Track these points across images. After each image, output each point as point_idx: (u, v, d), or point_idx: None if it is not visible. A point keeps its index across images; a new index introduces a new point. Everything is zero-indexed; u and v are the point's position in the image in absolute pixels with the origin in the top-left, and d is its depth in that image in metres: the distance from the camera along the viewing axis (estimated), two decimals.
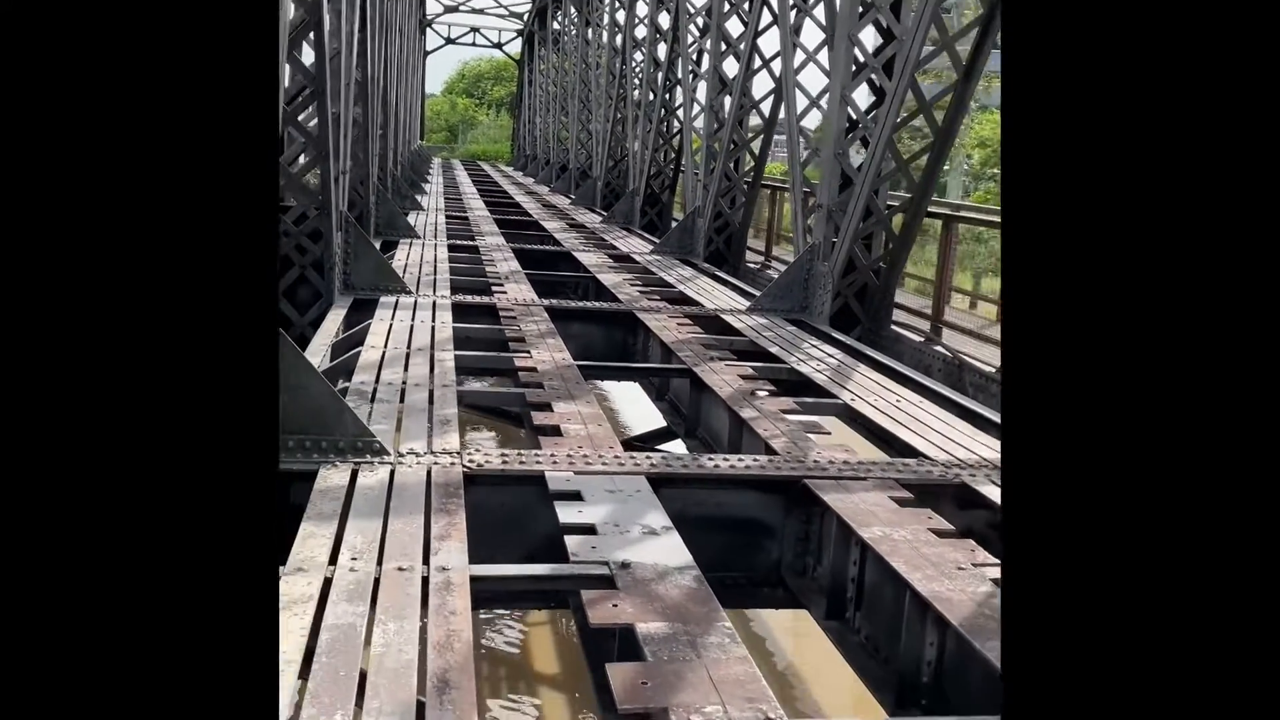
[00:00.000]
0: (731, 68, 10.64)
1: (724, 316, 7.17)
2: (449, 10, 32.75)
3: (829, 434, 4.32)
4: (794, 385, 5.34)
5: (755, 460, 3.81)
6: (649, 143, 14.09)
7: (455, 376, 4.79)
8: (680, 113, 13.45)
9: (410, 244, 10.05)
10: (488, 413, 6.48)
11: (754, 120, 10.62)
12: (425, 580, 2.58)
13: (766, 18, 9.20)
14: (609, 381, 8.92)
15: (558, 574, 2.80)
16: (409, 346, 5.36)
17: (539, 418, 4.29)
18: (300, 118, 7.05)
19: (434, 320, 6.15)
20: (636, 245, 11.77)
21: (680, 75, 12.62)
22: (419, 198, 15.38)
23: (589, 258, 10.16)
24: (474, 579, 2.62)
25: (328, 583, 2.52)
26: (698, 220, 10.78)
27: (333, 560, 2.66)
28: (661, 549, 2.92)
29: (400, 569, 2.62)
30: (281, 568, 2.57)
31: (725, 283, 9.09)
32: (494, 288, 7.87)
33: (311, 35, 6.69)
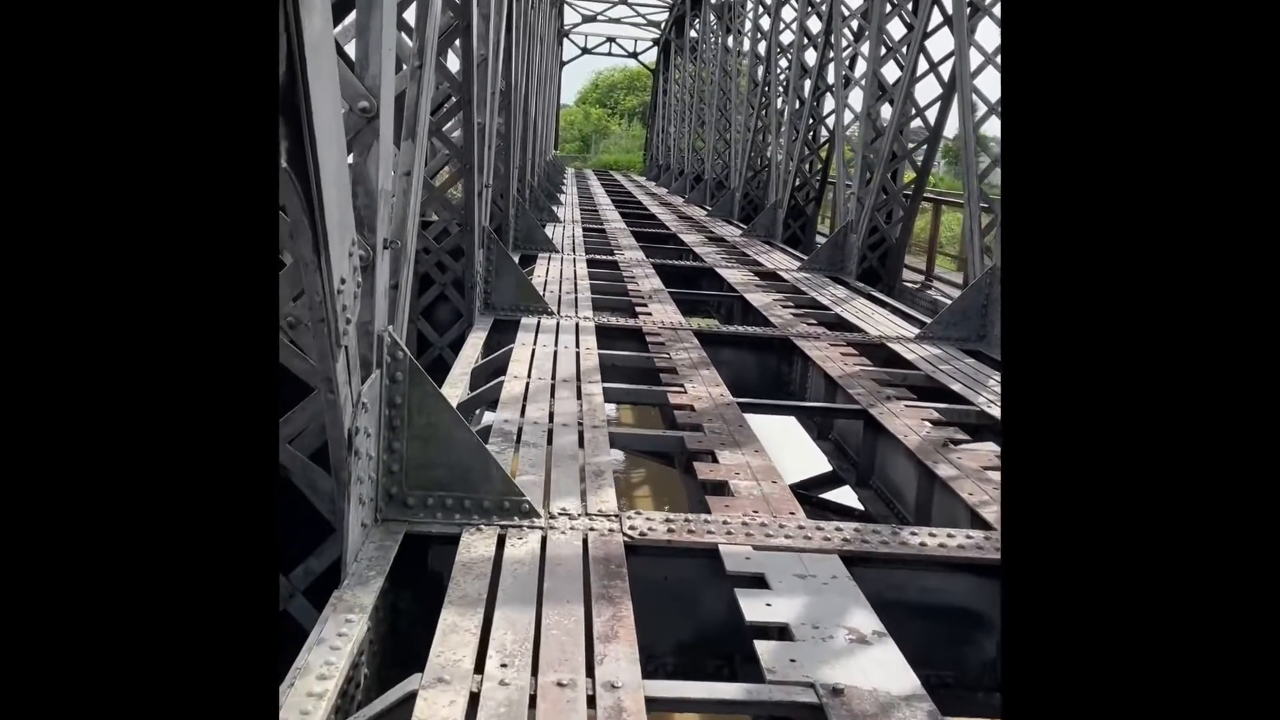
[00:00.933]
0: (892, 73, 9.97)
1: (890, 345, 6.49)
2: (587, 20, 32.78)
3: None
4: (987, 432, 4.88)
5: (970, 538, 3.17)
6: (794, 153, 13.46)
7: (606, 414, 4.31)
8: (830, 121, 12.80)
9: (549, 259, 9.71)
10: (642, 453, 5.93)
11: (915, 128, 10.26)
12: (591, 699, 2.12)
13: (936, 18, 8.98)
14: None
15: (753, 698, 2.25)
16: (554, 377, 4.93)
17: (703, 470, 3.76)
18: (445, 128, 6.86)
19: (578, 345, 5.72)
20: (781, 261, 11.15)
21: (831, 81, 12.03)
22: (555, 209, 15.16)
23: (734, 275, 9.60)
24: (650, 700, 2.13)
25: (474, 700, 2.09)
26: (850, 236, 10.09)
27: (478, 668, 2.21)
28: (878, 666, 2.34)
29: (560, 684, 2.14)
30: (419, 675, 2.17)
31: (885, 305, 8.38)
32: (637, 307, 7.40)
33: (458, 41, 6.42)
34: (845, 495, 5.13)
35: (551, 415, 4.22)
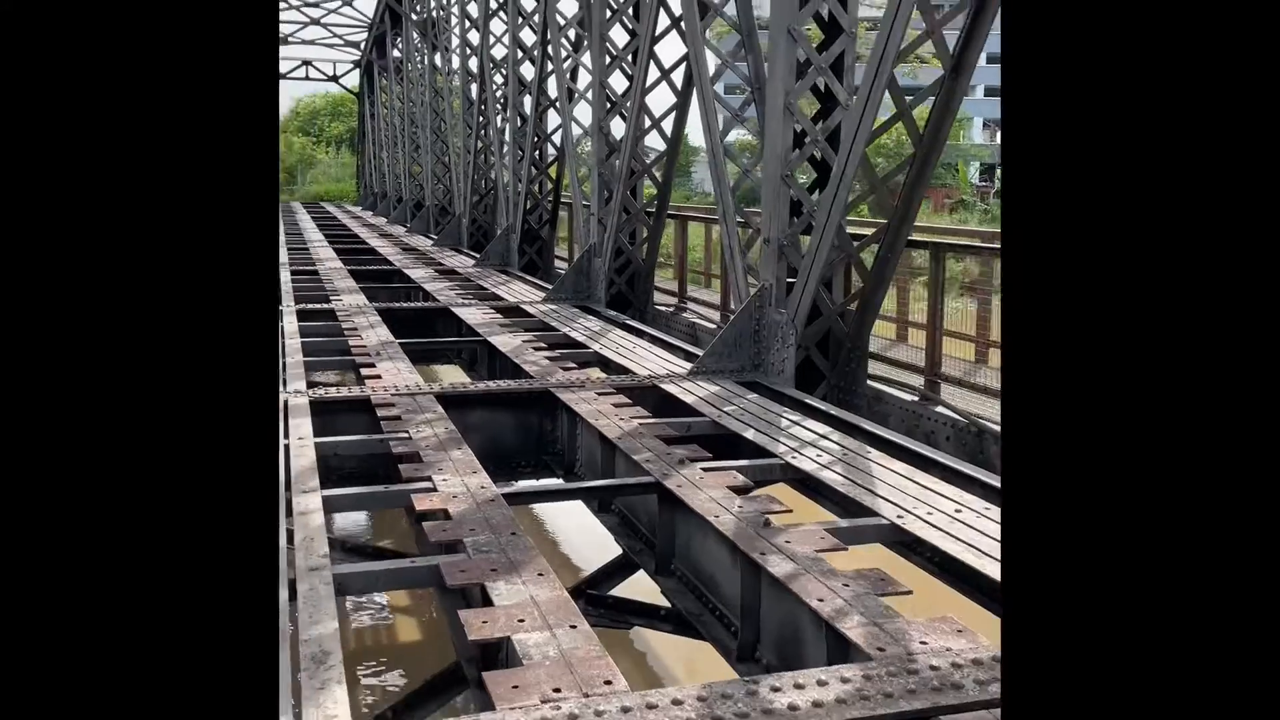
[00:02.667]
0: (619, 83, 9.28)
1: (663, 385, 5.72)
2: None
3: (908, 591, 2.92)
4: (563, 345, 5.57)
5: (845, 681, 2.33)
6: (522, 174, 12.58)
7: (326, 550, 3.13)
8: (557, 137, 12.02)
9: None
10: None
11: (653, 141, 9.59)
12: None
13: (664, 21, 8.42)
14: (435, 365, 9.08)
15: None
16: None
17: (474, 625, 2.68)
18: None
19: (287, 435, 4.46)
20: (524, 292, 10.20)
21: (554, 95, 11.23)
22: None
23: (473, 314, 8.53)
24: None
25: None
26: (594, 260, 9.33)
27: None
28: None
29: None
30: None
31: (644, 334, 7.66)
32: (363, 368, 6.18)
33: None
34: (642, 585, 4.24)
35: None
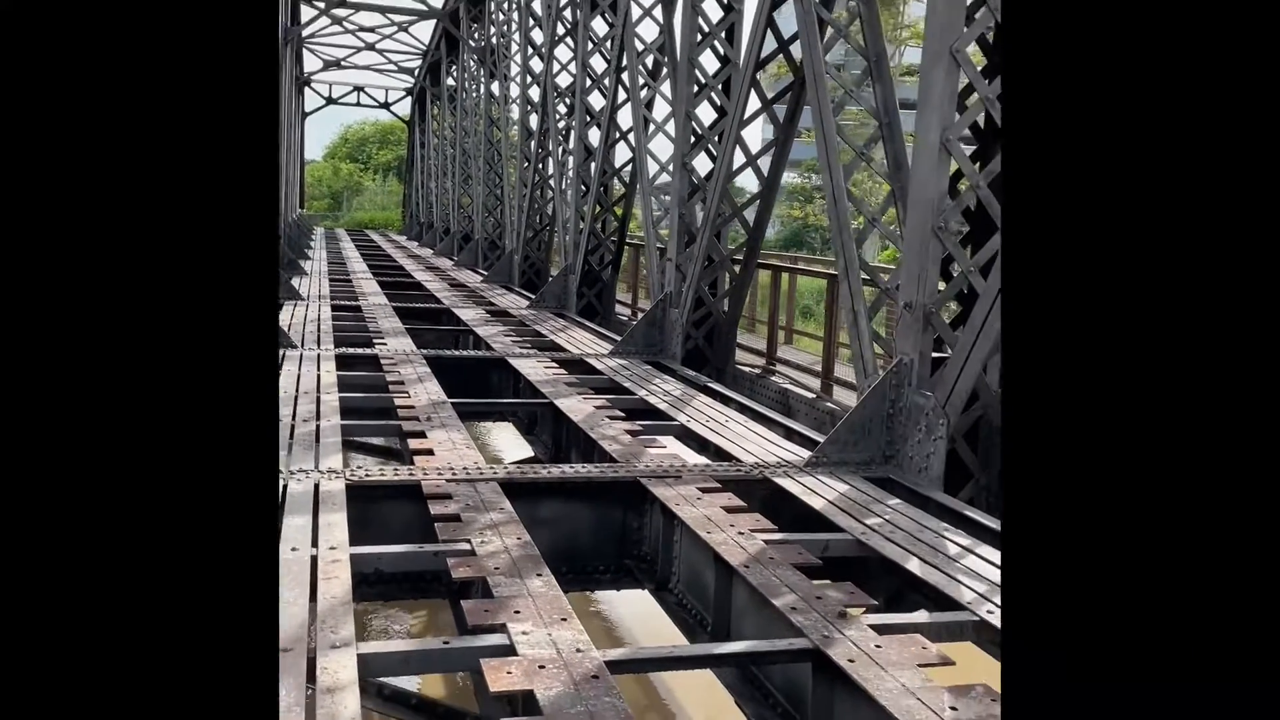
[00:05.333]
0: (707, 115, 8.38)
1: (776, 481, 4.64)
2: (329, 66, 29.73)
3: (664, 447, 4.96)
4: (641, 413, 6.12)
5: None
6: (585, 211, 11.63)
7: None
8: (627, 172, 11.19)
9: (282, 356, 7.23)
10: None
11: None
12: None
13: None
14: (488, 422, 9.80)
15: None
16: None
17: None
18: None
19: (316, 542, 3.43)
20: (584, 341, 9.18)
21: (628, 126, 10.68)
22: (295, 281, 12.47)
23: (533, 368, 7.51)
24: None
25: None
26: (670, 310, 8.29)
27: None
28: None
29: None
30: None
31: (731, 402, 6.61)
32: (411, 437, 5.16)
33: None
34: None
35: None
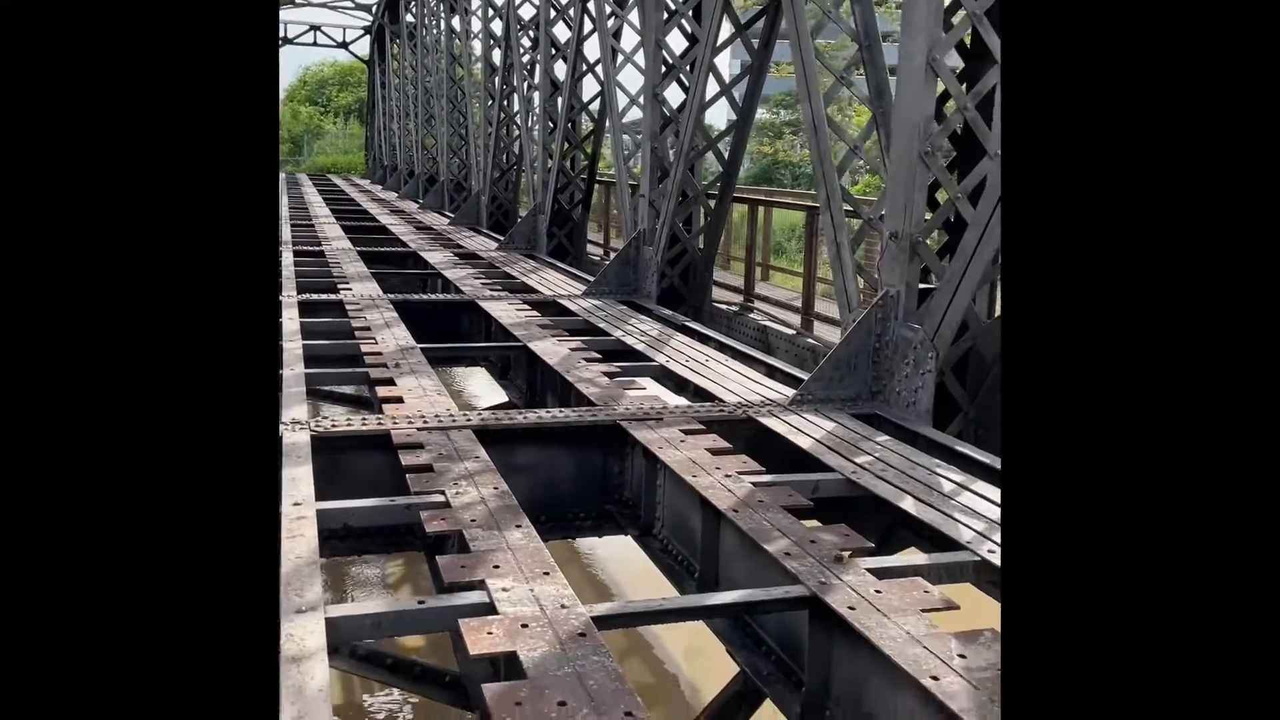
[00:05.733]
0: (678, 43, 8.08)
1: (761, 420, 4.49)
2: (283, 3, 28.63)
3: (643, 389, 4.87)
4: (618, 354, 5.92)
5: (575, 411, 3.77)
6: (553, 149, 11.27)
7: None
8: (595, 106, 10.83)
9: None
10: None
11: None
12: None
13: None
14: (459, 367, 9.52)
15: None
16: None
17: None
18: None
19: (279, 497, 3.23)
20: (557, 282, 8.93)
21: (595, 59, 10.25)
22: None
23: (504, 310, 7.28)
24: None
25: None
26: (644, 249, 8.06)
27: None
28: None
29: None
30: None
31: (710, 340, 6.44)
32: (379, 384, 4.95)
33: None
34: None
35: None
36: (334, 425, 4.10)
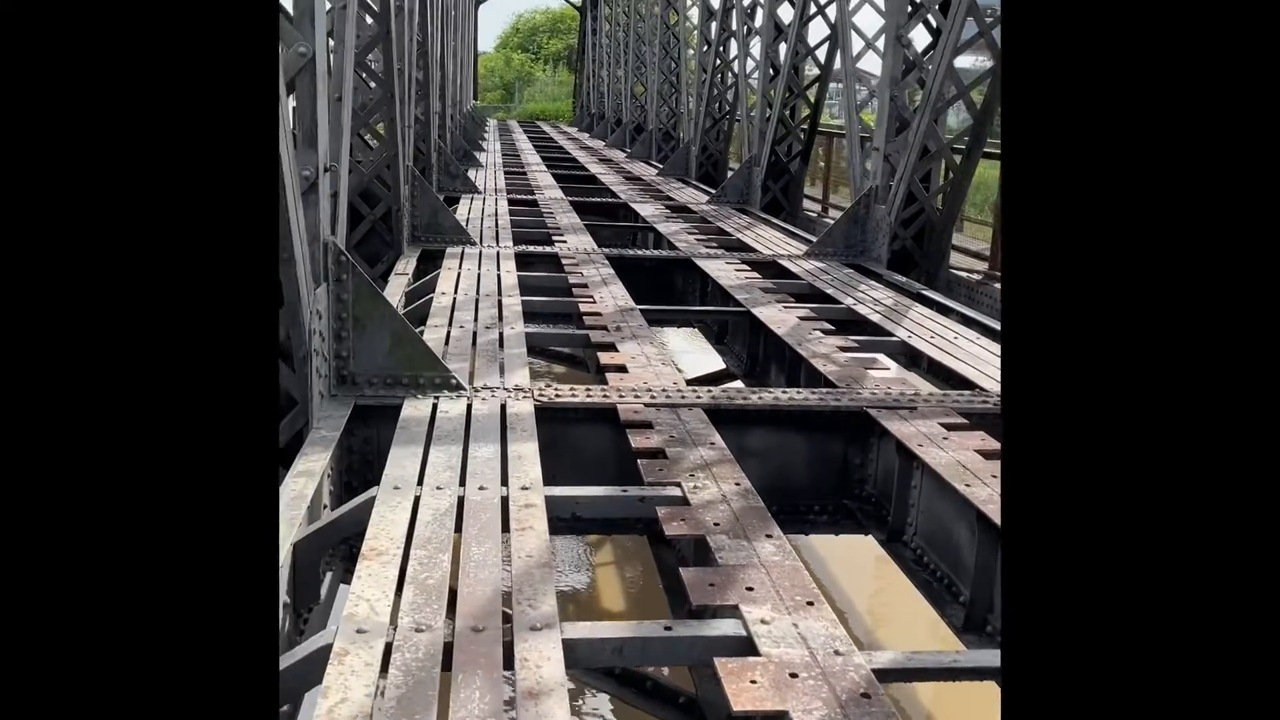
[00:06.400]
0: (787, 14, 9.29)
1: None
2: None
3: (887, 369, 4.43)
4: (851, 325, 5.41)
5: (814, 393, 3.77)
6: (773, 98, 10.65)
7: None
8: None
9: (462, 253, 6.88)
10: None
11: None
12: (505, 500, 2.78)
13: None
14: (670, 328, 8.23)
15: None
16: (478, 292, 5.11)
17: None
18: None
19: (506, 481, 2.96)
20: (776, 241, 8.40)
21: (734, 25, 11.43)
22: (470, 173, 12.15)
23: (722, 270, 6.85)
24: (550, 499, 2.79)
25: (417, 501, 2.72)
26: (875, 207, 7.40)
27: (420, 481, 2.87)
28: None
29: (482, 488, 2.82)
30: (376, 487, 2.80)
31: (952, 312, 5.79)
32: (601, 350, 4.66)
33: None
34: None
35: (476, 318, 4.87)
36: (558, 395, 3.83)
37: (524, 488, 2.90)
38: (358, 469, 3.58)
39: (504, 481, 2.94)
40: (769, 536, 2.68)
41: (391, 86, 6.75)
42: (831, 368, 4.43)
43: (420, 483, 2.89)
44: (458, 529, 2.60)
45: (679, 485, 3.02)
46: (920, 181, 7.26)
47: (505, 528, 2.65)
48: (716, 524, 2.75)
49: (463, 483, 2.91)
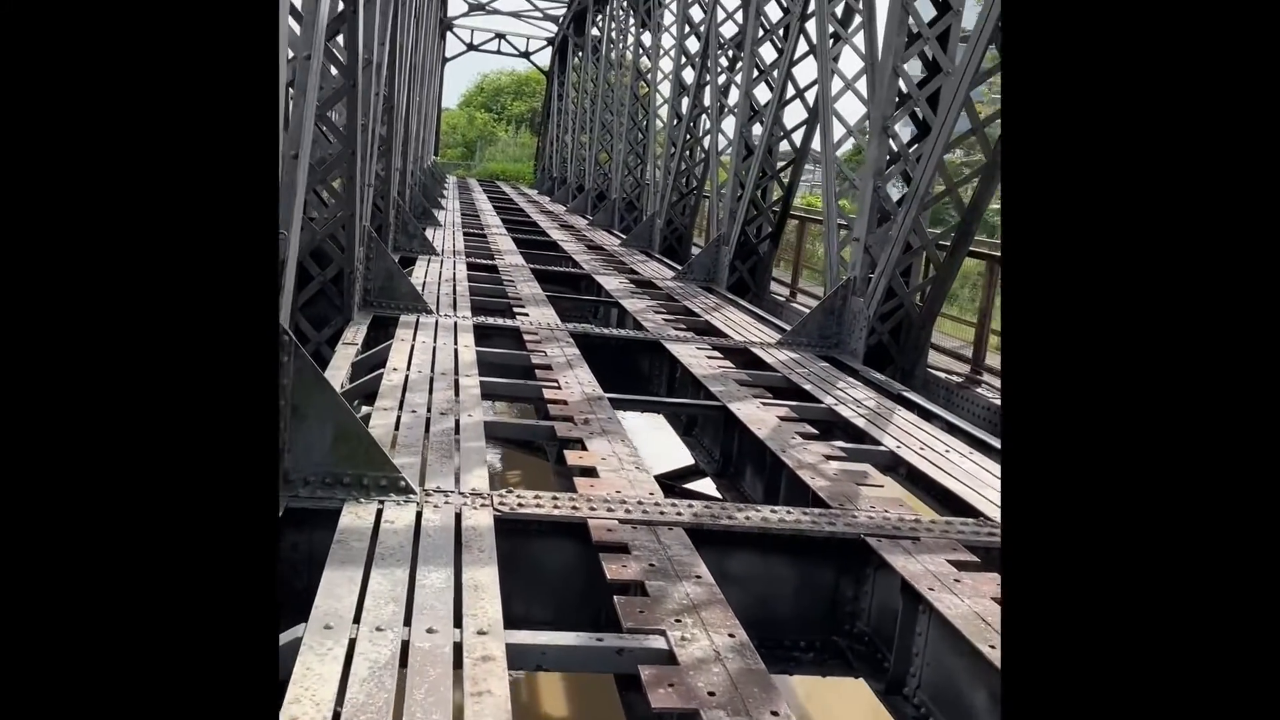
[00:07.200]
0: (763, 95, 9.47)
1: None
2: (474, 9, 28.92)
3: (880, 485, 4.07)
4: (835, 429, 5.14)
5: (806, 514, 3.33)
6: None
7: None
8: (707, 140, 10.18)
9: (416, 323, 6.40)
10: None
11: (784, 149, 10.32)
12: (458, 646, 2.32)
13: (803, 47, 8.94)
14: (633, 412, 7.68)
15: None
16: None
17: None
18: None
19: (460, 621, 2.49)
20: (746, 326, 8.07)
21: (707, 103, 11.21)
22: (428, 232, 11.72)
23: (693, 355, 6.47)
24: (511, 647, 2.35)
25: (351, 647, 2.27)
26: (852, 299, 7.12)
27: (356, 618, 2.41)
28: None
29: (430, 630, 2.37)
30: (302, 624, 2.36)
31: (936, 418, 5.47)
32: (568, 446, 4.22)
33: (341, 36, 6.32)
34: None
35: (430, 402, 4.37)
36: (520, 504, 3.37)
37: (480, 632, 2.43)
38: (285, 580, 3.07)
39: (457, 622, 2.47)
40: (775, 714, 2.24)
41: (354, 143, 6.38)
42: (821, 482, 4.04)
43: (357, 619, 2.41)
44: (399, 693, 2.12)
45: (663, 634, 2.57)
46: (900, 275, 7.01)
47: (459, 686, 2.18)
48: (711, 693, 2.30)
49: (408, 621, 2.43)
